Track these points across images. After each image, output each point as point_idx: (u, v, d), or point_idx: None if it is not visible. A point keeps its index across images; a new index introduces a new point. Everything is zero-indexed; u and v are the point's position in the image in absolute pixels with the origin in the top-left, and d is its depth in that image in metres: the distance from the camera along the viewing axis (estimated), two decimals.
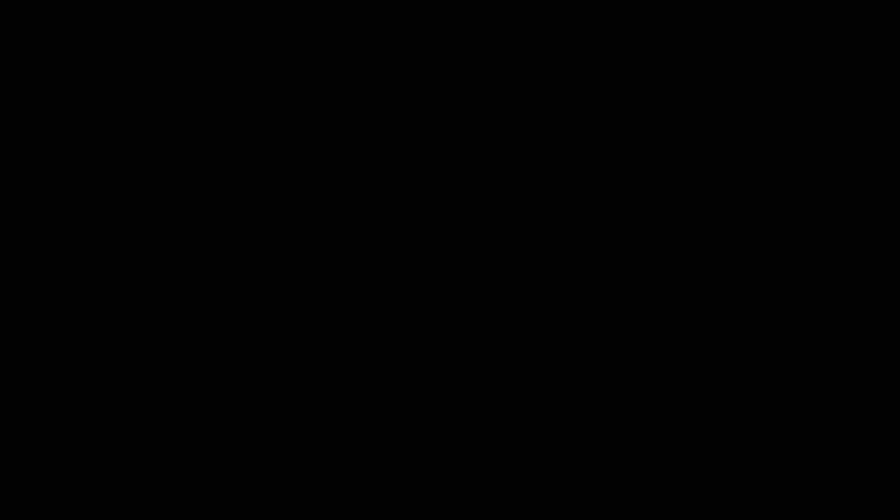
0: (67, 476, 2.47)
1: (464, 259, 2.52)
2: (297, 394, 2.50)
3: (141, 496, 2.46)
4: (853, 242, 2.50)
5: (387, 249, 2.52)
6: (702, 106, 2.53)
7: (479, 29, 2.54)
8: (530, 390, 2.50)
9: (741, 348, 2.49)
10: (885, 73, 2.51)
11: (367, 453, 2.49)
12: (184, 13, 2.54)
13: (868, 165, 2.51)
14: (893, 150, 2.51)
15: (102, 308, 2.50)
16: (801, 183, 2.51)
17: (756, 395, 2.48)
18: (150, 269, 2.51)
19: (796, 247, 2.50)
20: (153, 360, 2.49)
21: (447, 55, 2.54)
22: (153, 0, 2.54)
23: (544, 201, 2.53)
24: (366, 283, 2.52)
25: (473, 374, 2.50)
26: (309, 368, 2.50)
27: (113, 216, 2.52)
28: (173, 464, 2.47)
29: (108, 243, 2.51)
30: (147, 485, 2.47)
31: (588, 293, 2.51)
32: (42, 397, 2.48)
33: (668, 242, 2.51)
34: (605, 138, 2.53)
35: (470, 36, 2.54)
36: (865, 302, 2.49)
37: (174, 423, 2.48)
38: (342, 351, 2.51)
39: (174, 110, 2.53)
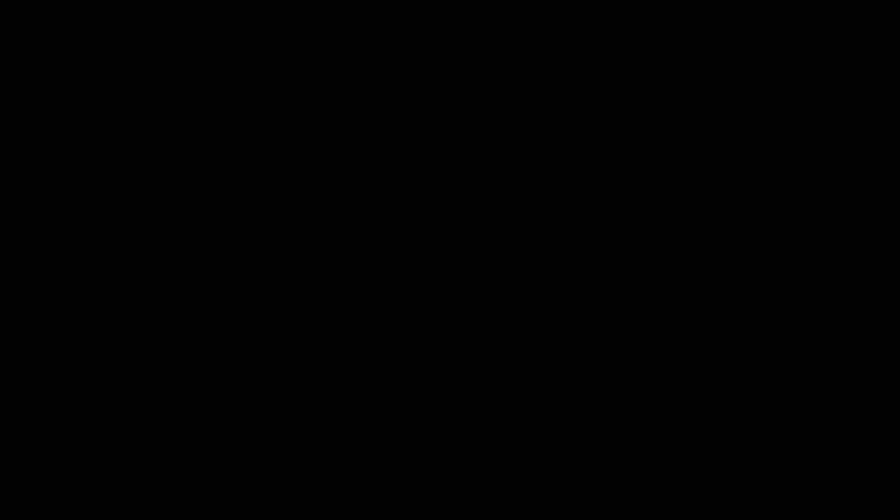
0: (67, 476, 2.47)
1: (464, 259, 2.52)
2: (297, 394, 2.50)
3: (141, 496, 2.47)
4: (853, 242, 2.50)
5: (387, 249, 2.52)
6: (702, 106, 2.53)
7: (479, 29, 2.54)
8: (530, 390, 2.50)
9: (741, 348, 2.49)
10: (886, 73, 2.51)
11: (367, 453, 2.49)
12: (184, 13, 2.54)
13: (868, 165, 2.51)
14: (894, 150, 2.51)
15: (102, 308, 2.50)
16: (801, 183, 2.51)
17: (756, 396, 2.48)
18: (149, 269, 2.51)
19: (796, 247, 2.50)
20: (153, 361, 2.50)
21: (447, 55, 2.54)
22: (153, 0, 2.54)
23: (544, 201, 2.53)
24: (366, 283, 2.52)
25: (474, 374, 2.50)
26: (309, 368, 2.51)
27: (113, 216, 2.52)
28: (173, 464, 2.47)
29: (108, 243, 2.51)
30: (147, 485, 2.47)
31: (588, 293, 2.51)
32: (42, 397, 2.48)
33: (668, 242, 2.51)
34: (605, 138, 2.53)
35: (470, 36, 2.54)
36: (865, 302, 2.49)
37: (174, 423, 2.49)
38: (342, 351, 2.51)
39: (174, 110, 2.53)
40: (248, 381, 2.50)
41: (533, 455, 2.48)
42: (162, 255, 2.51)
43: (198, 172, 2.53)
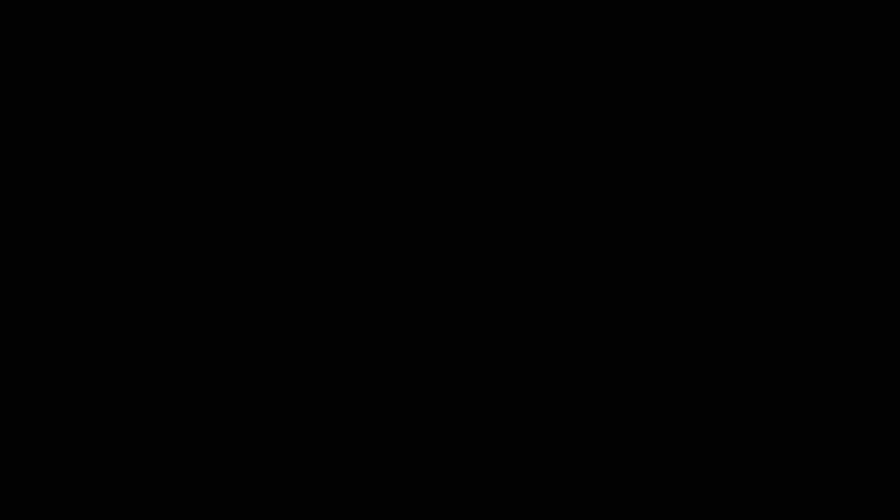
0: (67, 476, 2.47)
1: (464, 259, 2.52)
2: (297, 394, 2.50)
3: (141, 496, 2.47)
4: (853, 242, 2.50)
5: (387, 249, 2.52)
6: (702, 106, 2.53)
7: (479, 29, 2.55)
8: (530, 390, 2.50)
9: (741, 348, 2.49)
10: (886, 73, 2.51)
11: (367, 453, 2.49)
12: (184, 13, 2.54)
13: (868, 165, 2.51)
14: (894, 150, 2.51)
15: (102, 308, 2.51)
16: (801, 183, 2.52)
17: (756, 396, 2.48)
18: (149, 270, 2.51)
19: (796, 247, 2.51)
20: (153, 361, 2.50)
21: (447, 55, 2.55)
22: (154, 0, 2.54)
23: (544, 201, 2.53)
24: (366, 283, 2.52)
25: (474, 374, 2.50)
26: (309, 368, 2.51)
27: (113, 216, 2.52)
28: (173, 464, 2.48)
29: (108, 243, 2.51)
30: (147, 485, 2.47)
31: (588, 293, 2.51)
32: (42, 397, 2.48)
33: (668, 242, 2.51)
34: (605, 138, 2.53)
35: (470, 36, 2.55)
36: (865, 302, 2.49)
37: (174, 423, 2.49)
38: (342, 351, 2.51)
39: (174, 110, 2.54)
40: (249, 381, 2.50)
41: (533, 455, 2.48)
42: (161, 254, 2.51)
43: (197, 172, 2.53)
